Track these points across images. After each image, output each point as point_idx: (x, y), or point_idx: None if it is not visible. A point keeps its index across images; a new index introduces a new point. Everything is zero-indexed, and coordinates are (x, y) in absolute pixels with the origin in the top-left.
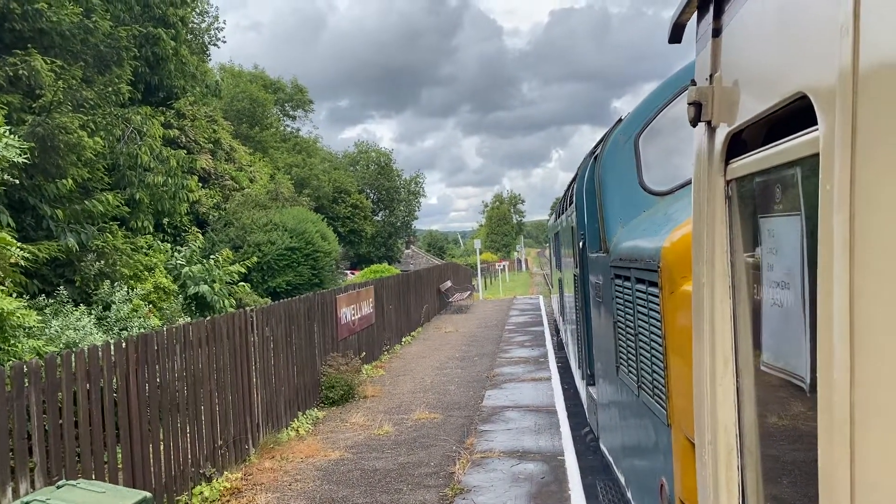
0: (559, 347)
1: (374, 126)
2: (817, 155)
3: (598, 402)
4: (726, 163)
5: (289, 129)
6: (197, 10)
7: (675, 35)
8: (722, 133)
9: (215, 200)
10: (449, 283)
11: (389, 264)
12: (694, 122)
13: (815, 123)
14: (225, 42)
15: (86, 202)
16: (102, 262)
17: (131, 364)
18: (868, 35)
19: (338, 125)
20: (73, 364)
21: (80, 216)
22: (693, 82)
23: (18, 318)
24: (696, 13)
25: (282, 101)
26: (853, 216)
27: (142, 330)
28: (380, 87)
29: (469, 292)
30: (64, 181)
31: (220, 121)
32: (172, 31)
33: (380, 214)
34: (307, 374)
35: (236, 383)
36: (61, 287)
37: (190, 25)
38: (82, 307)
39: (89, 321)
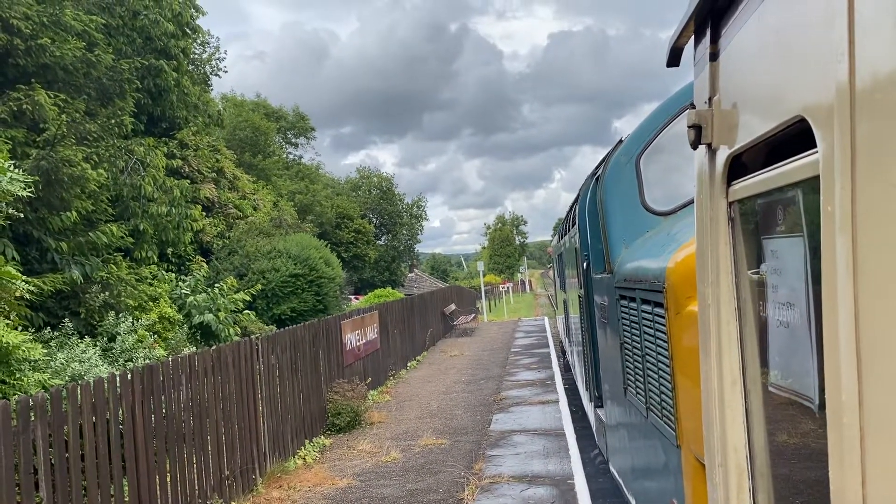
0: (566, 369)
1: (376, 151)
2: (818, 177)
3: (607, 423)
4: (728, 185)
5: (291, 156)
6: (198, 41)
7: (673, 59)
8: (722, 155)
9: (219, 229)
10: (453, 307)
11: (393, 288)
12: (694, 145)
13: (815, 145)
14: (226, 72)
15: (90, 234)
16: (107, 293)
17: (137, 395)
18: (863, 58)
19: (341, 151)
20: (79, 397)
21: (85, 248)
22: (692, 105)
23: (24, 351)
24: (692, 37)
25: (284, 130)
26: (856, 237)
27: (147, 361)
28: (382, 113)
29: (473, 315)
30: (68, 214)
31: (223, 150)
32: (174, 62)
33: (382, 239)
34: (313, 401)
35: (242, 412)
36: (66, 319)
37: (191, 56)
38: (87, 339)
39: (94, 353)
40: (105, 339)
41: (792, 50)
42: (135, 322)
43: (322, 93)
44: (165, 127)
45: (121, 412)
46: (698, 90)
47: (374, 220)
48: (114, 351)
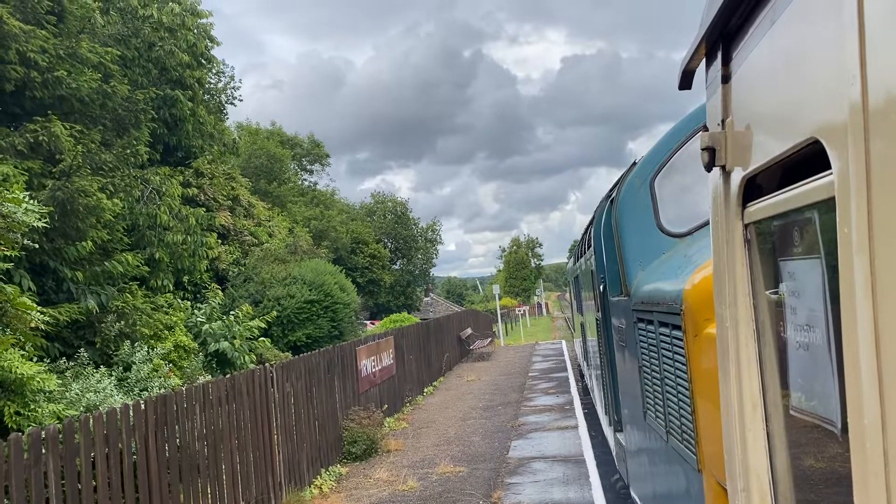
0: (584, 393)
1: (392, 176)
2: (833, 198)
3: (627, 448)
4: (743, 207)
5: (306, 183)
6: (213, 71)
7: (685, 82)
8: (737, 177)
9: (235, 256)
10: (469, 331)
11: (409, 313)
12: (708, 168)
13: (829, 166)
14: (241, 100)
15: (105, 263)
16: (122, 322)
17: (150, 426)
18: (876, 79)
19: (358, 177)
20: (92, 428)
21: (100, 277)
22: (705, 128)
23: (39, 382)
24: (704, 60)
25: (299, 157)
26: (873, 257)
27: (162, 390)
28: (397, 139)
29: (490, 339)
30: (84, 243)
31: (239, 178)
32: (189, 92)
33: (398, 263)
34: (329, 429)
35: (257, 441)
36: (82, 349)
37: (206, 86)
38: (102, 369)
39: (109, 383)
40: (120, 368)
41: (804, 71)
42: (150, 351)
43: (339, 119)
44: (181, 156)
45: (134, 443)
46: (711, 112)
47: (389, 244)
48: (129, 380)
